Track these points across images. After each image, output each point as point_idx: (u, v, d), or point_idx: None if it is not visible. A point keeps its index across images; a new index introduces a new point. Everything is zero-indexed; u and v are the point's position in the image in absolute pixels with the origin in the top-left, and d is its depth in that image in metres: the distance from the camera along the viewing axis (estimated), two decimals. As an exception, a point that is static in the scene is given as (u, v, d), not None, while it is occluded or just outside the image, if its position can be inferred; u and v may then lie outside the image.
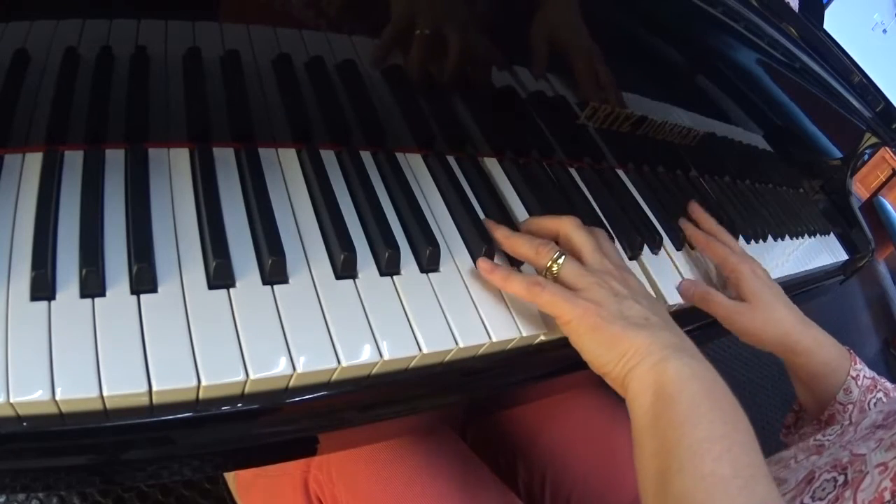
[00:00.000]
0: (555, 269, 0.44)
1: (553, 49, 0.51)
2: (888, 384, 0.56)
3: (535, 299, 0.43)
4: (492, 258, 0.47)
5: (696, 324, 0.60)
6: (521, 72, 0.52)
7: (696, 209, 0.67)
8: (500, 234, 0.48)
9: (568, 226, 0.48)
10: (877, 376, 0.57)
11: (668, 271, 0.59)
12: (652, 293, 0.50)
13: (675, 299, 0.57)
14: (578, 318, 0.41)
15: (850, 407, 0.54)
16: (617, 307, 0.42)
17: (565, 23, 0.50)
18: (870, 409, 0.54)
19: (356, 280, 0.41)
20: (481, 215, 0.51)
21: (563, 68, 0.54)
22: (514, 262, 0.49)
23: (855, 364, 0.56)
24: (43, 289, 0.32)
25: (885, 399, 0.55)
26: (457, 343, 0.41)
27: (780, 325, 0.55)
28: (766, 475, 0.35)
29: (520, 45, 0.50)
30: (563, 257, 0.44)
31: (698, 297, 0.57)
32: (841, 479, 0.40)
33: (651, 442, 0.38)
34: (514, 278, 0.44)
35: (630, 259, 0.58)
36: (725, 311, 0.56)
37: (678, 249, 0.63)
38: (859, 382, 0.55)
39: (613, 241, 0.56)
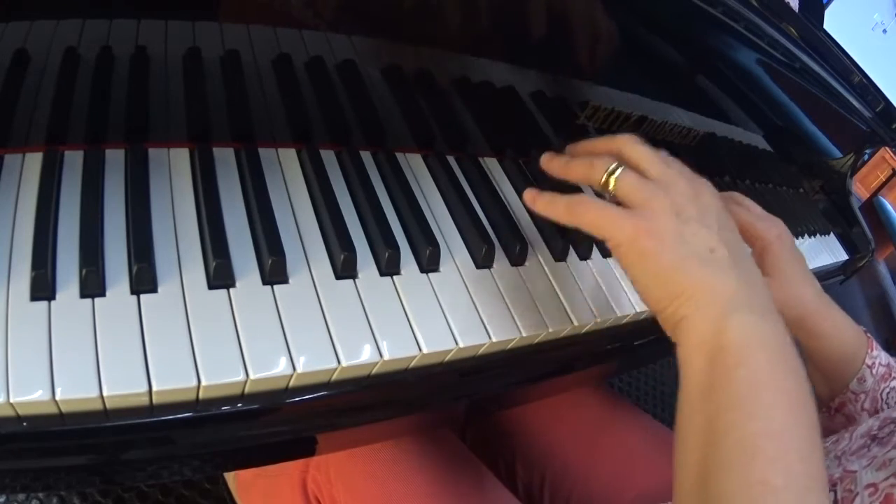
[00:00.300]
0: (611, 183, 0.38)
1: (549, 43, 0.51)
2: None
3: (578, 220, 0.38)
4: (491, 258, 0.47)
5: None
6: (522, 71, 0.52)
7: None
8: (557, 164, 0.43)
9: (624, 140, 0.41)
10: (892, 362, 0.54)
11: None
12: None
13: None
14: (629, 240, 0.36)
15: (863, 396, 0.52)
16: (676, 229, 0.35)
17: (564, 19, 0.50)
18: (882, 399, 0.52)
19: (356, 280, 0.41)
20: (481, 215, 0.51)
21: (561, 64, 0.54)
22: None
23: (871, 351, 0.52)
24: (43, 289, 0.32)
25: None
26: (457, 343, 0.41)
27: (800, 303, 0.50)
28: (822, 485, 0.30)
29: (521, 36, 0.50)
30: (621, 168, 0.38)
31: None
32: (831, 496, 0.37)
33: (699, 419, 0.33)
34: (557, 201, 0.39)
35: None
36: None
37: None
38: (874, 371, 0.52)
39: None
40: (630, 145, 0.40)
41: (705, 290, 0.34)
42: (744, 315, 0.33)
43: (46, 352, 0.30)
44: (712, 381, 0.33)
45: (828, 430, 0.56)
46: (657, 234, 0.35)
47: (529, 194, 0.41)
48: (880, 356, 0.53)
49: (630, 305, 0.52)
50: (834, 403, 0.54)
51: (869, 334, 0.54)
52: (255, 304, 0.36)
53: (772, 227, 0.51)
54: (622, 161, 0.40)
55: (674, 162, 0.40)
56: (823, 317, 0.51)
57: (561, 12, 0.49)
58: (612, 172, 0.38)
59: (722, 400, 0.32)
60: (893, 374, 0.53)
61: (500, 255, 0.48)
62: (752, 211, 0.53)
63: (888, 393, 0.52)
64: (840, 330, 0.52)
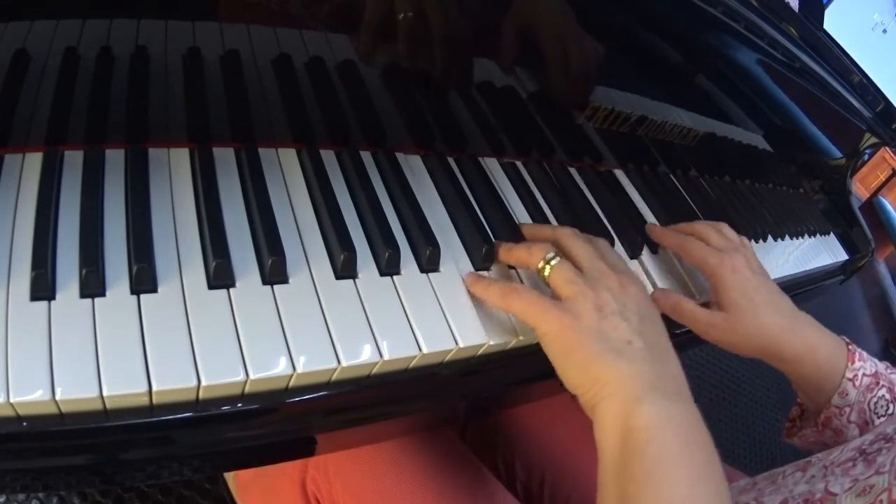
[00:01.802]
0: (546, 271, 0.42)
1: (548, 46, 0.51)
2: (894, 376, 0.53)
3: (510, 307, 0.41)
4: (491, 258, 0.47)
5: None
6: (521, 71, 0.52)
7: (654, 230, 0.59)
8: (503, 248, 0.46)
9: (564, 233, 0.45)
10: (881, 369, 0.53)
11: (669, 272, 0.59)
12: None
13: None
14: (554, 332, 0.39)
15: (847, 409, 0.51)
16: (597, 325, 0.39)
17: (561, 21, 0.50)
18: (871, 409, 0.51)
19: (356, 280, 0.41)
20: (481, 215, 0.51)
21: (559, 66, 0.54)
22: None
23: (852, 363, 0.51)
24: (43, 289, 0.32)
25: (887, 396, 0.51)
26: (457, 343, 0.41)
27: (762, 333, 0.50)
28: None
29: (512, 41, 0.50)
30: (558, 259, 0.42)
31: (669, 308, 0.51)
32: None
33: (613, 493, 0.35)
34: (493, 286, 0.42)
35: (630, 259, 0.58)
36: (697, 324, 0.51)
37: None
38: (857, 383, 0.51)
39: (613, 243, 0.56)
40: (567, 237, 0.45)
41: (619, 379, 0.37)
42: (654, 399, 0.36)
43: (46, 352, 0.30)
44: (624, 458, 0.35)
45: (819, 444, 0.56)
46: (579, 329, 0.38)
47: (470, 278, 0.44)
48: (864, 366, 0.52)
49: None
50: (820, 419, 0.53)
51: (852, 345, 0.53)
52: (255, 304, 0.36)
53: (725, 262, 0.51)
54: (559, 250, 0.43)
55: (608, 255, 0.44)
56: (791, 340, 0.51)
57: (558, 16, 0.49)
58: (549, 262, 0.42)
59: (632, 473, 0.35)
60: (882, 382, 0.52)
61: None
62: (711, 243, 0.54)
63: (876, 402, 0.51)
64: (813, 350, 0.51)
